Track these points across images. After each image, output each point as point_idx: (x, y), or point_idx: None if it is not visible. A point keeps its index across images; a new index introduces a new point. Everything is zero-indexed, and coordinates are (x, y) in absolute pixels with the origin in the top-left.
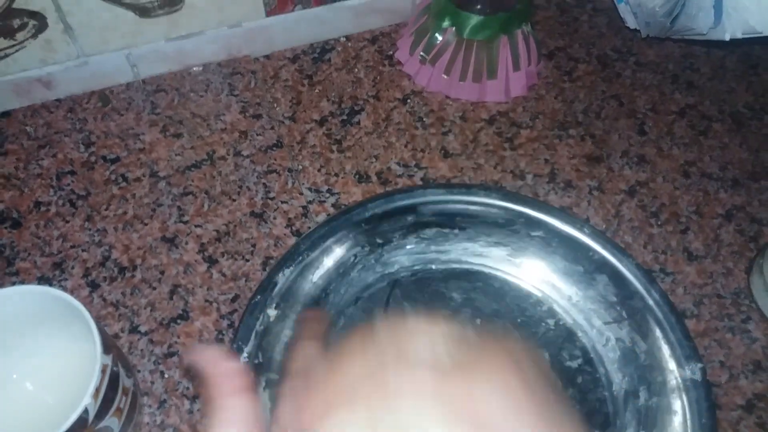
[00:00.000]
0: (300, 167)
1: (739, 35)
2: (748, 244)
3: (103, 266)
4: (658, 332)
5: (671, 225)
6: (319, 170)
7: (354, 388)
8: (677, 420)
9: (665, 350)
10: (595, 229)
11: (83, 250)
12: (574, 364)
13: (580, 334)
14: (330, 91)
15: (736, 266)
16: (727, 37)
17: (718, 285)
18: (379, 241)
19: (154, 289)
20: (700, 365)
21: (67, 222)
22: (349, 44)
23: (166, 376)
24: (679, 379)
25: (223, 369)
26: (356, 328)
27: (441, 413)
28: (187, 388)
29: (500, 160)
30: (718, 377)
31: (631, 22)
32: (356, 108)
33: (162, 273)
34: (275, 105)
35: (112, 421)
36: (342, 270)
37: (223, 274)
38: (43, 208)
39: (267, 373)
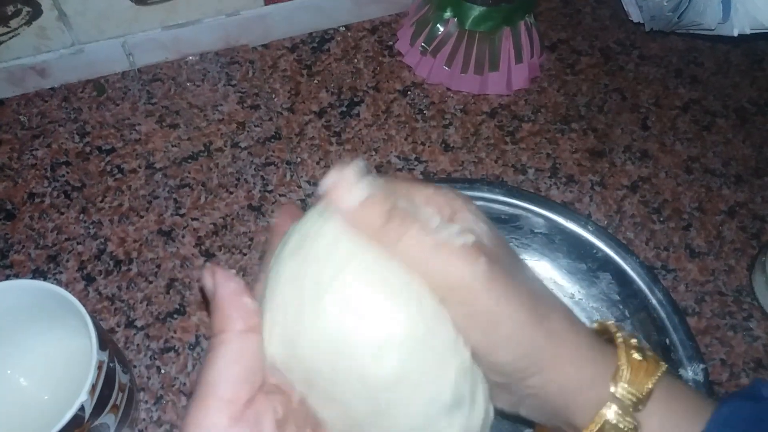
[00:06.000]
0: (298, 160)
1: (747, 31)
2: (751, 241)
3: (99, 259)
4: (660, 332)
5: (673, 221)
6: (317, 163)
7: None
8: None
9: (668, 350)
10: (599, 226)
11: (78, 243)
12: None
13: None
14: (329, 82)
15: (738, 263)
16: (736, 33)
17: (720, 282)
18: None
19: (151, 283)
20: (702, 366)
21: (62, 214)
22: (349, 34)
23: (162, 371)
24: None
25: (232, 290)
26: None
27: None
28: (184, 384)
29: (501, 153)
30: (719, 375)
31: (635, 15)
32: (356, 99)
33: (158, 267)
34: (273, 95)
35: (108, 417)
36: None
37: None
38: (37, 200)
39: None
